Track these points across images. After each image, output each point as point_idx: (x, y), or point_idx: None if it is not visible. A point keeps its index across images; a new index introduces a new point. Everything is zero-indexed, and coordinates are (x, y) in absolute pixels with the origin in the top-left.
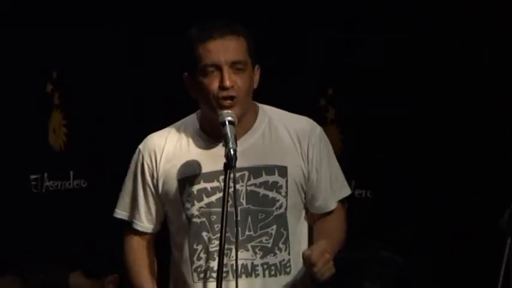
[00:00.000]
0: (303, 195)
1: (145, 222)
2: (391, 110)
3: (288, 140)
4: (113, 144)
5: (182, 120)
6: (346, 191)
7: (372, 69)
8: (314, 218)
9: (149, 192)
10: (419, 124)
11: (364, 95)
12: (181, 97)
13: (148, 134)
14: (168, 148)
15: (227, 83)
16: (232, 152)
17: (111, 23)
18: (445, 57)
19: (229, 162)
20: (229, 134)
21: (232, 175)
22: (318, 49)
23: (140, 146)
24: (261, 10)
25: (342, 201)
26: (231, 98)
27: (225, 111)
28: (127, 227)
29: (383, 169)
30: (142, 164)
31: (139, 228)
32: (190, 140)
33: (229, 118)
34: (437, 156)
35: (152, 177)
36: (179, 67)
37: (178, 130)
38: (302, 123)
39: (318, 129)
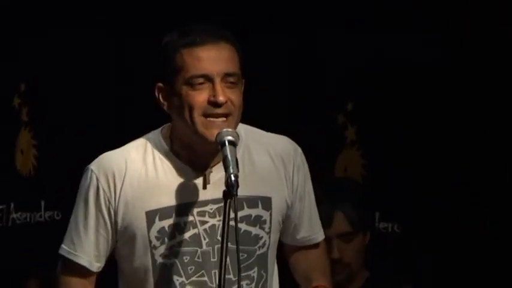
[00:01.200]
0: (281, 228)
1: (92, 258)
2: (422, 129)
3: (270, 165)
4: None
5: (143, 139)
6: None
7: (400, 80)
8: (290, 250)
9: (102, 224)
10: (457, 145)
11: (390, 110)
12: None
13: None
14: (131, 173)
15: (221, 98)
16: (233, 178)
17: (88, 28)
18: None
19: (230, 190)
20: (229, 157)
21: (233, 204)
22: (333, 55)
23: (92, 167)
24: (267, 10)
25: None
26: (225, 115)
27: (224, 129)
28: (65, 264)
29: (412, 199)
30: (97, 189)
31: (84, 264)
32: (159, 164)
33: (230, 138)
34: (476, 185)
35: (109, 206)
36: (152, 75)
37: (141, 151)
38: (284, 145)
39: (299, 149)
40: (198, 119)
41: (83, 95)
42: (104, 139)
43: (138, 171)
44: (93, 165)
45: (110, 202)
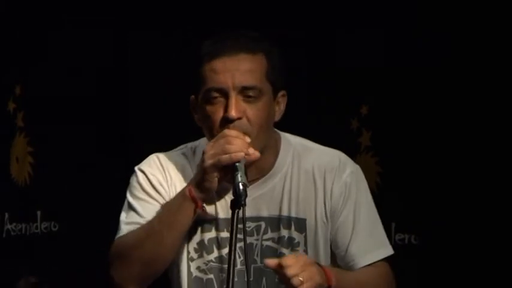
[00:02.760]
0: (329, 251)
1: None
2: (441, 135)
3: (310, 184)
4: (91, 177)
5: (194, 144)
6: (385, 251)
7: (418, 82)
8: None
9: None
10: (479, 153)
11: (407, 114)
12: (175, 120)
13: (133, 163)
14: (178, 176)
15: (233, 113)
16: (241, 187)
17: (87, 29)
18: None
19: (238, 200)
20: (237, 165)
21: (241, 216)
22: (347, 55)
23: (143, 167)
24: (283, 11)
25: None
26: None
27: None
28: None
29: (430, 209)
30: (154, 184)
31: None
32: None
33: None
34: (498, 195)
35: (166, 196)
36: (186, 86)
37: (189, 156)
38: (332, 159)
39: (350, 167)
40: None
41: (82, 98)
42: (104, 145)
43: (183, 177)
44: (144, 165)
45: (167, 194)
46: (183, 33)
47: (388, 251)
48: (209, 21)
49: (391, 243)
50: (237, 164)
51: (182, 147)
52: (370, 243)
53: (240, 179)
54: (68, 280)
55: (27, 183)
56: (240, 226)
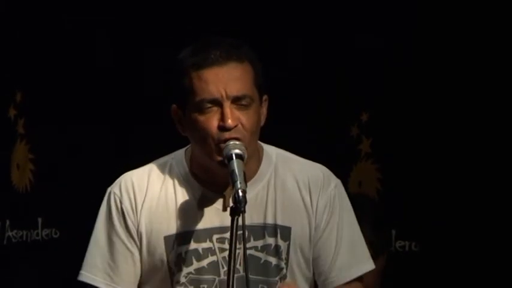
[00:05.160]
0: (309, 263)
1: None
2: (442, 141)
3: (295, 193)
4: (92, 183)
5: (167, 158)
6: (366, 266)
7: (419, 89)
8: None
9: (130, 248)
10: (481, 159)
11: (408, 121)
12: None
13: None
14: (152, 194)
15: (229, 123)
16: (241, 194)
17: (87, 32)
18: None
19: (238, 207)
20: (236, 171)
21: (241, 222)
22: (347, 61)
23: (114, 189)
24: (281, 17)
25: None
26: (236, 139)
27: (232, 142)
28: None
29: (431, 216)
30: (122, 211)
31: None
32: (178, 187)
33: (237, 151)
34: (500, 202)
35: (133, 228)
36: (166, 94)
37: (162, 171)
38: (315, 173)
39: (334, 181)
40: (212, 146)
41: (82, 104)
42: (105, 152)
43: (157, 194)
44: (115, 187)
45: (133, 224)
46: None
47: (370, 265)
48: (205, 24)
49: (391, 250)
50: (236, 169)
51: (158, 162)
52: (354, 257)
53: (239, 185)
54: (69, 287)
55: (28, 190)
56: (239, 232)
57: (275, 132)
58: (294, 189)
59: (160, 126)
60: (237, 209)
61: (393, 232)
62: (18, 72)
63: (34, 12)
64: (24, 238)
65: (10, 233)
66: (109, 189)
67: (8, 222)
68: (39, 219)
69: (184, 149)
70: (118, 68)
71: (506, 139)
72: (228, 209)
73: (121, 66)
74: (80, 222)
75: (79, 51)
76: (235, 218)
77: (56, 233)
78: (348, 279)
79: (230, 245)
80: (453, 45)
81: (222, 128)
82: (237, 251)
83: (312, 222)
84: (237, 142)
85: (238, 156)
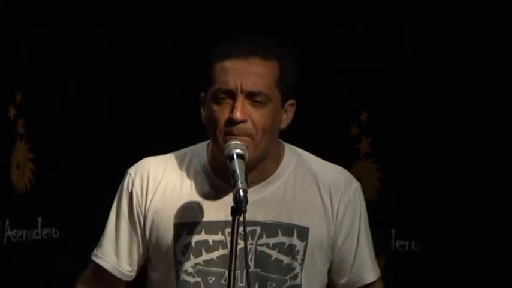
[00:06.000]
0: (326, 265)
1: (124, 268)
2: (442, 140)
3: (315, 195)
4: (92, 183)
5: (190, 148)
6: (378, 270)
7: (418, 89)
8: None
9: (134, 234)
10: (481, 158)
11: (407, 120)
12: (179, 125)
13: None
14: (167, 181)
15: (238, 115)
16: (241, 194)
17: (88, 32)
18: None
19: (238, 206)
20: (237, 171)
21: (241, 221)
22: (347, 60)
23: (131, 170)
24: (279, 17)
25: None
26: (242, 136)
27: (233, 141)
28: (94, 269)
29: (431, 215)
30: (131, 193)
31: (117, 275)
32: (195, 178)
33: (238, 151)
34: (499, 201)
35: (139, 212)
36: (195, 85)
37: (182, 161)
38: (336, 176)
39: (355, 184)
40: (220, 137)
41: (83, 104)
42: (105, 151)
43: (173, 181)
44: (132, 169)
45: (140, 208)
46: (181, 37)
47: (378, 271)
48: (212, 24)
49: (391, 249)
50: (237, 169)
51: (179, 153)
52: (372, 260)
53: (240, 185)
54: (69, 287)
55: (28, 190)
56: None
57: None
58: (314, 191)
59: (162, 129)
60: (238, 208)
61: (393, 231)
62: (18, 72)
63: (34, 12)
64: (24, 238)
65: (10, 233)
66: (128, 170)
67: (7, 222)
68: (39, 219)
69: (206, 142)
70: (118, 69)
71: (506, 139)
72: (225, 203)
73: (121, 66)
74: (80, 222)
75: (79, 51)
76: (236, 217)
77: (56, 233)
78: (373, 279)
79: (231, 243)
80: (453, 45)
81: (230, 120)
82: (249, 246)
83: (330, 225)
84: (238, 142)
85: (239, 156)
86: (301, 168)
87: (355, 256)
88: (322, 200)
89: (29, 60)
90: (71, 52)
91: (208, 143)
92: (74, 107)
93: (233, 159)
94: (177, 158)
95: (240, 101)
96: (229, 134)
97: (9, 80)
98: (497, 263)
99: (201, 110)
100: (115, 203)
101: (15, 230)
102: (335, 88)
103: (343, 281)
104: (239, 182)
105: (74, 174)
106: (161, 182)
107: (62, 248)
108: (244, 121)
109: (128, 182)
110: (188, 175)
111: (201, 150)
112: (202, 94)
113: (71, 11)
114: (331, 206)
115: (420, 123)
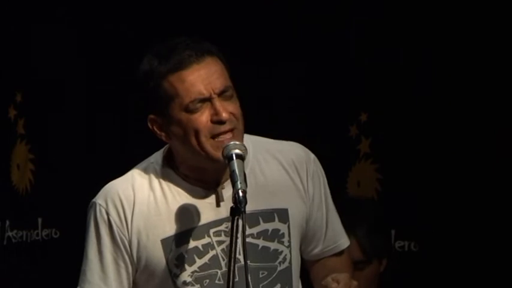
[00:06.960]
0: (301, 242)
1: None
2: (442, 141)
3: (283, 174)
4: (92, 183)
5: (146, 163)
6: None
7: (418, 89)
8: (311, 261)
9: (121, 260)
10: (480, 159)
11: (406, 121)
12: None
13: None
14: (140, 201)
15: (224, 116)
16: (241, 194)
17: (88, 32)
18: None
19: (238, 207)
20: (237, 171)
21: (240, 222)
22: (345, 61)
23: (98, 200)
24: (278, 20)
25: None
26: (230, 130)
27: (232, 142)
28: None
29: (431, 216)
30: (109, 222)
31: None
32: (167, 189)
33: (237, 151)
34: (499, 201)
35: (123, 239)
36: (138, 109)
37: (146, 176)
38: (296, 151)
39: (312, 155)
40: (207, 142)
41: (83, 104)
42: (105, 151)
43: (146, 200)
44: (100, 199)
45: (123, 234)
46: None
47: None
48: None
49: (391, 250)
50: (237, 169)
51: (139, 168)
52: (342, 226)
53: (239, 186)
54: (69, 287)
55: (28, 190)
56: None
57: (274, 132)
58: (281, 171)
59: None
60: (238, 209)
61: (393, 232)
62: (18, 72)
63: (34, 12)
64: (24, 238)
65: (10, 233)
66: (93, 201)
67: (8, 222)
68: (39, 219)
69: (160, 153)
70: (118, 69)
71: (506, 139)
72: (222, 204)
73: (121, 67)
74: (80, 222)
75: (79, 51)
76: (235, 218)
77: (56, 233)
78: (343, 248)
79: (230, 243)
80: (453, 45)
81: (218, 122)
82: (235, 241)
83: (305, 200)
84: (237, 142)
85: (238, 156)
86: (259, 151)
87: (327, 224)
88: (291, 178)
89: (29, 62)
90: (71, 52)
91: (163, 152)
92: (74, 108)
93: (232, 159)
94: (139, 174)
95: (218, 102)
96: (217, 135)
97: (9, 80)
98: (497, 263)
99: (156, 130)
100: (91, 236)
101: (15, 231)
102: (335, 89)
103: (316, 250)
104: (238, 182)
105: (74, 175)
106: (135, 202)
107: (62, 248)
108: (229, 117)
109: (101, 213)
110: (159, 188)
111: (159, 163)
112: (152, 116)
113: (71, 11)
114: (301, 181)
115: (420, 123)
